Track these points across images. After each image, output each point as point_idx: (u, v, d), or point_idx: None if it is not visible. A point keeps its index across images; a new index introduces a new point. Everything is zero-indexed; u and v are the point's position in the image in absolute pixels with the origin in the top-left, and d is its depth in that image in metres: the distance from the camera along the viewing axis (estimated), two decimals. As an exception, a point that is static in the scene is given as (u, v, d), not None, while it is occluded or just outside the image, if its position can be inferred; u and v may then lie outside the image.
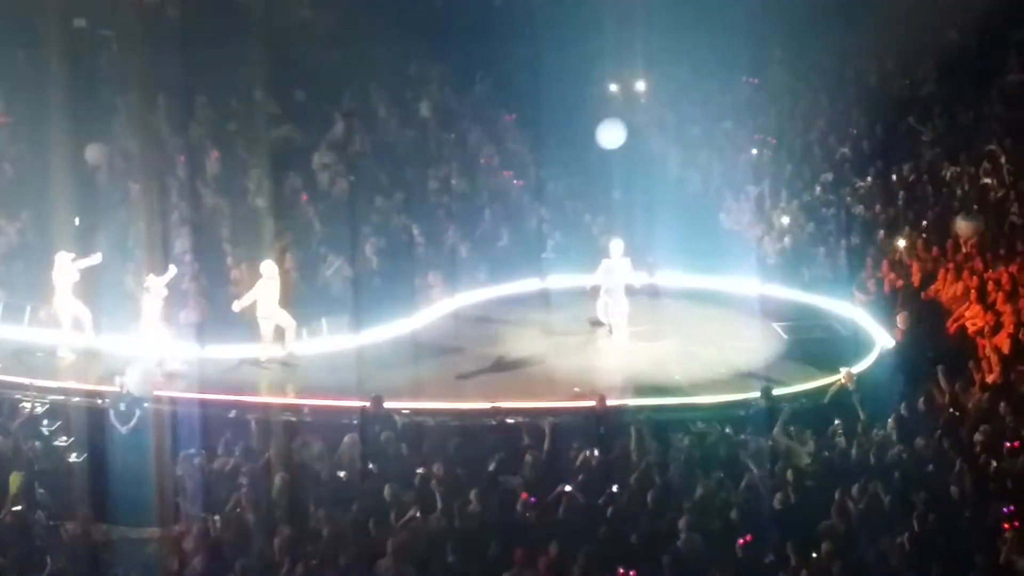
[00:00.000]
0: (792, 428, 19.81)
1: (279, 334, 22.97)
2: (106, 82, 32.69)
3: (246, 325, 23.08)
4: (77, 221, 24.86)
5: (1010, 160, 28.63)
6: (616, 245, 24.31)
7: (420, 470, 18.49)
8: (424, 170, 29.75)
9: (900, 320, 23.54)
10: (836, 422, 20.06)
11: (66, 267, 22.78)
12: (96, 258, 23.17)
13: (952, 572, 16.27)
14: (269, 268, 22.90)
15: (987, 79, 32.40)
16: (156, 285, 22.43)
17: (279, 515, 17.53)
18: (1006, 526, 16.86)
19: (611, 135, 29.23)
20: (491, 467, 18.73)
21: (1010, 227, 26.58)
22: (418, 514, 17.39)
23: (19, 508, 18.03)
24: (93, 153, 28.17)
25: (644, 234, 26.91)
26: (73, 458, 20.17)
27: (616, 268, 24.15)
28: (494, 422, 20.87)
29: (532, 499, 17.80)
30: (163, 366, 22.32)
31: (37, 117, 29.87)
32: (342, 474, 18.85)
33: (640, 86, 34.19)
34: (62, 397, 21.71)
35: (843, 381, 21.39)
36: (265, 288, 22.71)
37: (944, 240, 26.19)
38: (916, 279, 25.26)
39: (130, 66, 32.56)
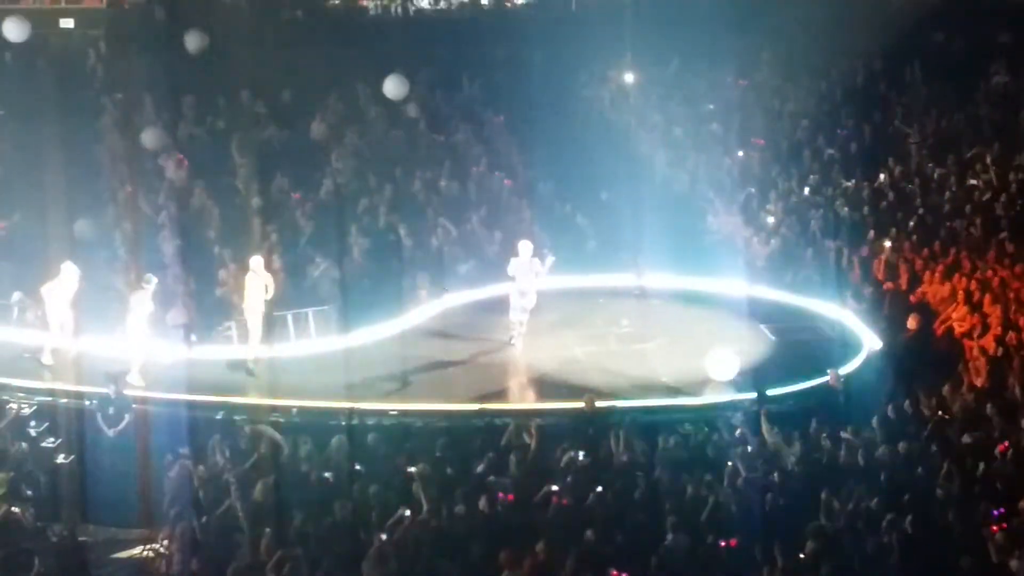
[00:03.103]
0: (779, 429, 19.82)
1: (267, 332, 22.89)
2: (94, 82, 32.69)
3: (233, 325, 23.11)
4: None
5: (996, 162, 28.70)
6: (525, 246, 23.98)
7: (411, 469, 18.49)
8: (412, 171, 29.73)
9: (911, 321, 23.52)
10: (823, 423, 20.07)
11: (71, 279, 22.66)
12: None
13: (939, 573, 16.35)
14: (255, 263, 22.89)
15: (974, 81, 32.50)
16: (140, 298, 22.35)
17: (266, 517, 17.53)
18: (995, 528, 16.89)
19: (395, 87, 29.25)
20: (479, 468, 18.72)
21: (997, 229, 26.62)
22: (407, 513, 17.39)
23: (6, 509, 18.02)
24: (150, 137, 28.22)
25: (632, 235, 26.98)
26: (60, 459, 20.15)
27: (525, 269, 23.85)
28: (482, 423, 20.88)
29: (511, 497, 17.82)
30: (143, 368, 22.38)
31: (25, 117, 29.86)
32: (328, 475, 18.83)
33: (627, 87, 34.20)
34: (50, 398, 21.71)
35: (830, 382, 21.43)
36: (250, 282, 22.70)
37: (932, 242, 26.23)
38: (904, 281, 25.30)
39: (118, 66, 32.58)
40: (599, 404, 20.76)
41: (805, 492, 17.97)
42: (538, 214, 28.28)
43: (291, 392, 21.87)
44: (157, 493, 18.72)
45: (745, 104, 33.07)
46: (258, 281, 22.76)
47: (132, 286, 22.96)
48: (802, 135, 31.68)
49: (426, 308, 25.20)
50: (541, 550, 16.27)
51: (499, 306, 24.95)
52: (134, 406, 20.80)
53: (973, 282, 24.34)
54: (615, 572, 16.37)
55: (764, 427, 19.86)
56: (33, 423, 20.96)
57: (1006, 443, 19.01)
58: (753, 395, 20.86)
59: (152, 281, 22.48)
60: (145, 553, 18.21)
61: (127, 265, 25.07)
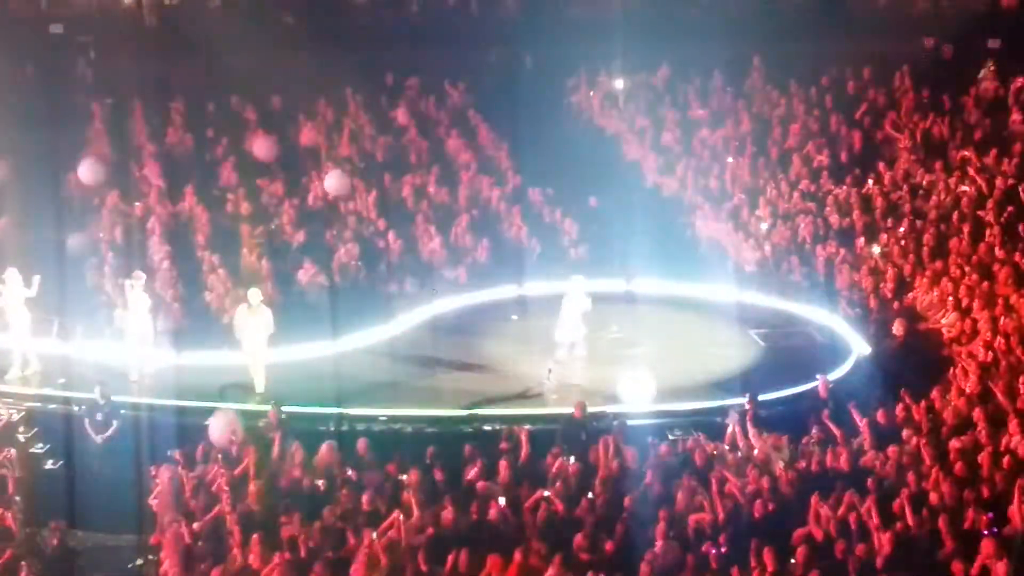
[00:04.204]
0: (768, 435, 19.83)
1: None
2: (84, 87, 32.66)
3: (221, 332, 23.06)
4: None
5: (986, 168, 28.71)
6: (577, 281, 23.40)
7: (402, 477, 18.49)
8: (401, 176, 29.69)
9: (899, 326, 23.55)
10: (813, 429, 20.09)
11: (16, 285, 22.59)
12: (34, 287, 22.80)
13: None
14: (253, 296, 22.30)
15: (963, 87, 32.51)
16: (132, 296, 22.33)
17: (255, 522, 17.50)
18: (985, 534, 16.89)
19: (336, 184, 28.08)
20: (468, 474, 18.71)
21: (986, 235, 26.62)
22: (402, 517, 17.37)
23: None
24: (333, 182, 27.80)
25: (621, 240, 27.01)
26: (49, 465, 20.12)
27: (576, 302, 23.29)
28: (472, 429, 20.86)
29: (503, 506, 17.81)
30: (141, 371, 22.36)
31: (13, 122, 29.79)
32: (320, 482, 18.79)
33: (617, 92, 34.17)
34: (39, 404, 21.67)
35: (819, 388, 21.44)
36: (244, 319, 22.28)
37: (921, 247, 26.23)
38: (893, 286, 25.31)
39: (108, 71, 32.55)
40: (590, 410, 20.74)
41: (794, 498, 17.99)
42: (527, 219, 28.29)
43: (280, 398, 21.85)
44: (147, 499, 18.70)
45: (735, 110, 33.04)
46: (255, 319, 22.16)
47: (121, 287, 22.93)
48: (792, 141, 31.65)
49: (415, 314, 25.14)
50: (520, 558, 16.28)
51: (488, 311, 24.97)
52: (123, 412, 20.77)
53: (962, 288, 24.35)
54: (604, 577, 16.42)
55: (753, 433, 19.88)
56: (22, 429, 20.96)
57: (992, 448, 19.02)
58: (743, 401, 20.82)
59: (141, 278, 22.45)
60: (137, 560, 18.20)
61: (115, 270, 25.02)
